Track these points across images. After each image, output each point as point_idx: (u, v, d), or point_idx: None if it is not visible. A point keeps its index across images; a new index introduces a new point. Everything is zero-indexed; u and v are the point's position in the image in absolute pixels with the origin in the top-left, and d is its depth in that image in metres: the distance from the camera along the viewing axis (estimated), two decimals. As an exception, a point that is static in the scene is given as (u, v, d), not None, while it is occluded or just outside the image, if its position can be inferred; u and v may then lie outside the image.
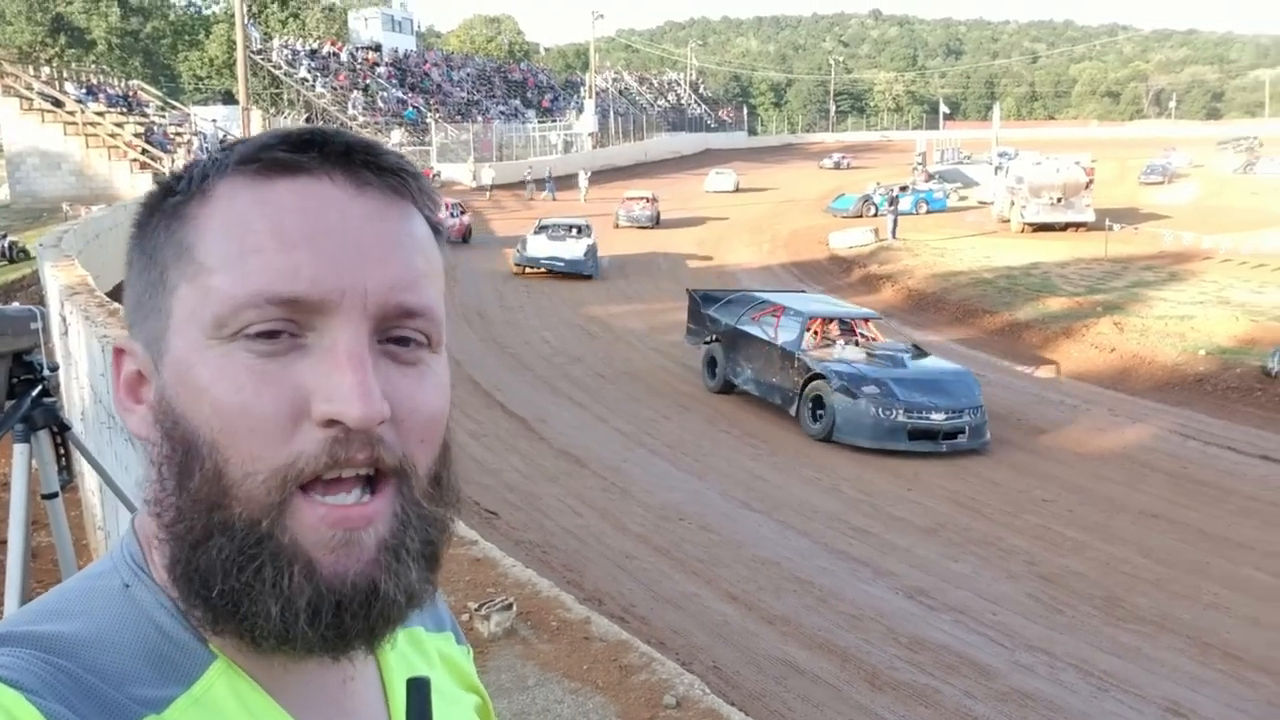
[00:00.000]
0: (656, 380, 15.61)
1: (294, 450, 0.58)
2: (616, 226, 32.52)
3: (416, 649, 0.78)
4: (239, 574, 0.58)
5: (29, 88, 32.43)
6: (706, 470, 11.44)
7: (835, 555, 9.10)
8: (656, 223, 33.42)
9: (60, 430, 2.53)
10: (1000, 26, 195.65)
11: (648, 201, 34.34)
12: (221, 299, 0.58)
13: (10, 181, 32.62)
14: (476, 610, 4.44)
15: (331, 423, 0.57)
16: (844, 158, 62.32)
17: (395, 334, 0.62)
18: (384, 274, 0.61)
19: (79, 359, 5.57)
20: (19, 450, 2.46)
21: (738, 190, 46.54)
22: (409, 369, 0.62)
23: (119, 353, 0.66)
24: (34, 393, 2.44)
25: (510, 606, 4.43)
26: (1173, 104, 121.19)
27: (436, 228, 0.68)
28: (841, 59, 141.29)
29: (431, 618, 0.82)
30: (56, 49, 50.45)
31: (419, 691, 0.68)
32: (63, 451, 2.55)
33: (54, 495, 2.55)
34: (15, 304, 2.71)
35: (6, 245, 23.41)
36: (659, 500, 10.29)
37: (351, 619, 0.59)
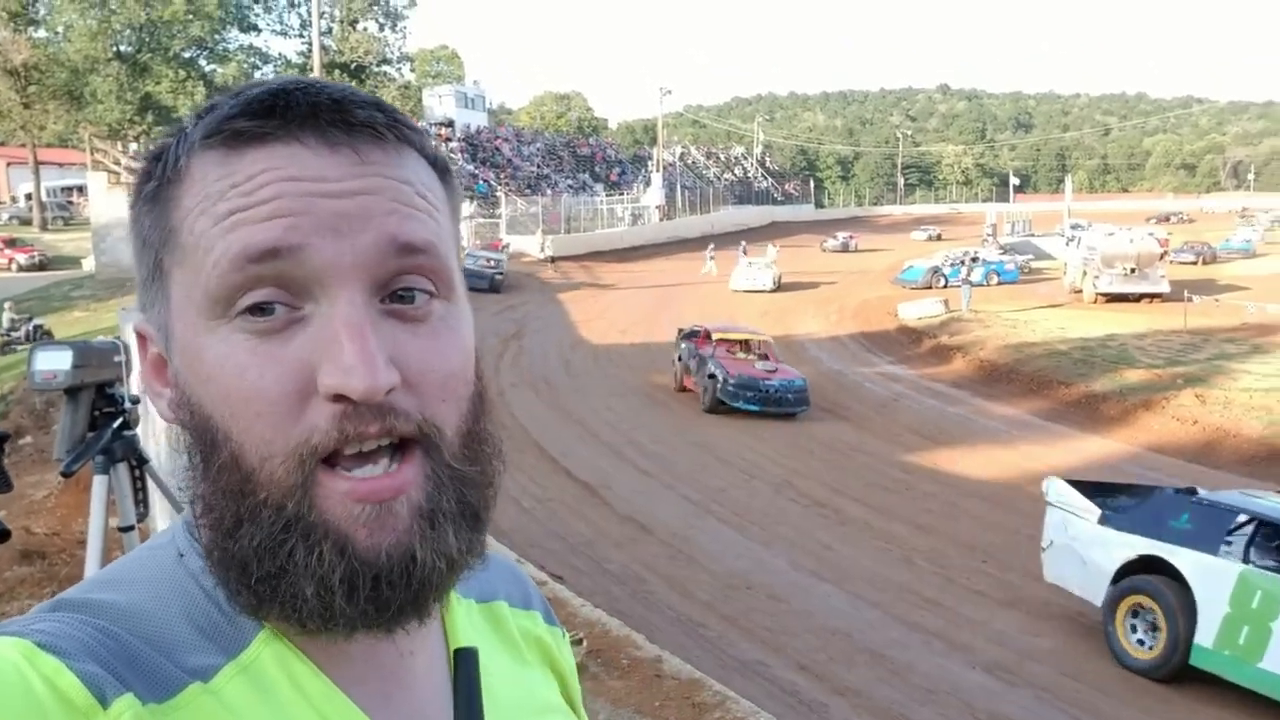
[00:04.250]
0: (721, 449, 15.49)
1: (306, 428, 0.55)
2: None
3: (494, 624, 0.75)
4: (272, 559, 0.56)
5: (117, 162, 33.91)
6: (774, 539, 11.23)
7: (908, 627, 8.82)
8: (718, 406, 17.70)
9: (139, 464, 2.56)
10: (1070, 100, 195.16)
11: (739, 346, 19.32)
12: (208, 276, 0.57)
13: (96, 252, 33.95)
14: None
15: (339, 397, 0.55)
16: (850, 238, 54.10)
17: (397, 288, 0.58)
18: (368, 224, 0.57)
19: (155, 415, 5.71)
20: (98, 482, 2.48)
21: (778, 289, 33.72)
22: (419, 325, 0.59)
23: (141, 337, 0.64)
24: (115, 425, 2.48)
25: (580, 641, 4.38)
26: (1251, 176, 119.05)
27: (436, 163, 0.64)
28: (910, 132, 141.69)
29: (518, 594, 0.79)
30: (144, 126, 52.89)
31: (466, 662, 0.66)
32: (140, 485, 2.57)
33: (130, 529, 2.57)
34: (100, 337, 2.78)
35: (31, 328, 23.10)
36: (726, 568, 10.11)
37: (390, 590, 0.56)
